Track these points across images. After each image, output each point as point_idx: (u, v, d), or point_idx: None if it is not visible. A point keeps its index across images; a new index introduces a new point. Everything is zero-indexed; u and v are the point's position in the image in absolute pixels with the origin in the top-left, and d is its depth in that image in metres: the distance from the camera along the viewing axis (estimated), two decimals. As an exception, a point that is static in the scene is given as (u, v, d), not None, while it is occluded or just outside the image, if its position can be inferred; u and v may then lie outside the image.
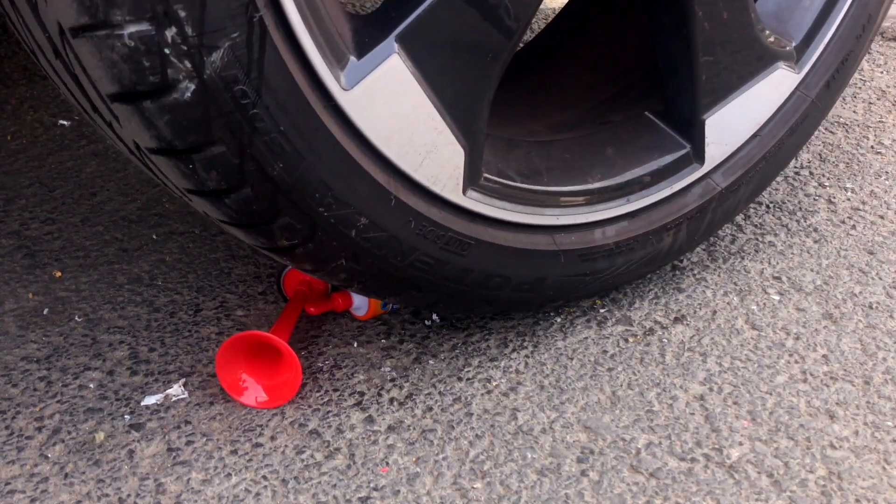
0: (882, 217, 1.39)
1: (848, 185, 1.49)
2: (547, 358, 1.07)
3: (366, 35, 0.81)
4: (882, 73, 2.04)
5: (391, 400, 1.00)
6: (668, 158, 1.09)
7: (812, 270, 1.24)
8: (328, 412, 0.98)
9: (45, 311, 1.15)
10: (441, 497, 0.87)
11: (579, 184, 1.03)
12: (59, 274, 1.23)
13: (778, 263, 1.26)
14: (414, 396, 1.01)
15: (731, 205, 1.17)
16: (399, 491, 0.88)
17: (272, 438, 0.95)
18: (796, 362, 1.06)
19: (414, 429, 0.96)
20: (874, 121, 1.77)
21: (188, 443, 0.94)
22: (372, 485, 0.89)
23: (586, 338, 1.10)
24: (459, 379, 1.03)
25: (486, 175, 0.95)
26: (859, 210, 1.41)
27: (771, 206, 1.42)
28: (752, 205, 1.42)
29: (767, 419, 0.97)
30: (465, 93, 0.88)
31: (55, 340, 1.10)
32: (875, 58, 2.15)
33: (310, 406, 0.99)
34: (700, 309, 1.16)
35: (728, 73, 1.07)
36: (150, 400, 1.00)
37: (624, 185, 1.06)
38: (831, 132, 1.71)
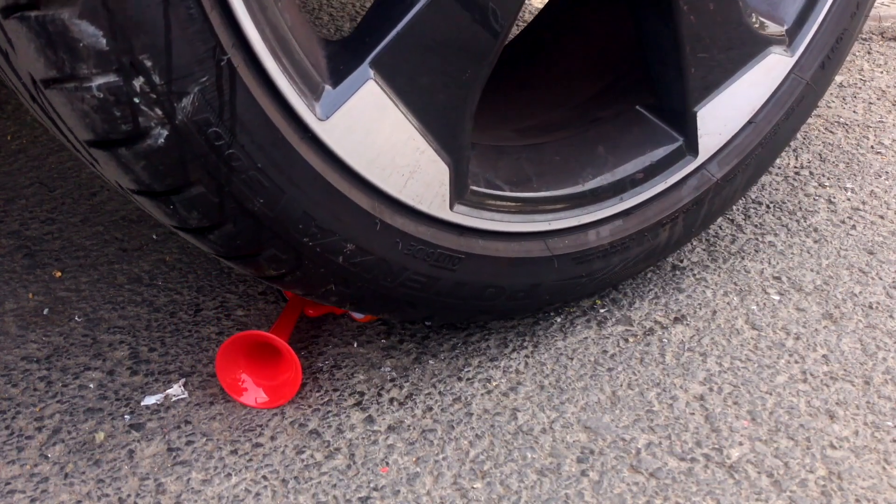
0: (882, 217, 1.39)
1: (848, 185, 1.49)
2: (547, 358, 1.07)
3: (340, 62, 0.81)
4: (882, 73, 2.04)
5: (391, 400, 1.00)
6: (661, 153, 1.08)
7: (812, 270, 1.24)
8: (328, 412, 0.98)
9: (46, 311, 1.15)
10: (441, 497, 0.87)
11: (571, 186, 1.03)
12: (59, 274, 1.23)
13: (778, 263, 1.26)
14: (414, 396, 1.01)
15: (727, 194, 1.16)
16: (399, 491, 0.88)
17: (272, 438, 0.95)
18: (796, 362, 1.06)
19: (414, 429, 0.96)
20: (874, 121, 1.77)
21: (188, 443, 0.94)
22: (372, 485, 0.89)
23: (586, 338, 1.10)
24: (459, 379, 1.03)
25: (474, 188, 0.94)
26: (859, 210, 1.41)
27: (771, 206, 1.42)
28: (752, 205, 1.42)
29: (767, 419, 0.97)
30: (446, 110, 0.87)
31: (55, 340, 1.10)
32: (875, 58, 2.15)
33: (310, 406, 0.99)
34: (700, 309, 1.16)
35: (718, 63, 1.07)
36: (150, 400, 1.00)
37: (617, 184, 1.05)
38: (831, 132, 1.71)
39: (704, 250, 1.29)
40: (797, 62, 1.16)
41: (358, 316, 1.10)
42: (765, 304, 1.17)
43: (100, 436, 0.95)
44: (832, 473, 0.90)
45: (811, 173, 1.54)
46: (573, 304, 1.16)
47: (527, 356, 1.07)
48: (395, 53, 0.81)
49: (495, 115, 1.14)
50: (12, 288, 1.20)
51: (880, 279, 1.22)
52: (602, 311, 1.15)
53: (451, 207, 0.91)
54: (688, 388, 1.02)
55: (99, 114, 0.69)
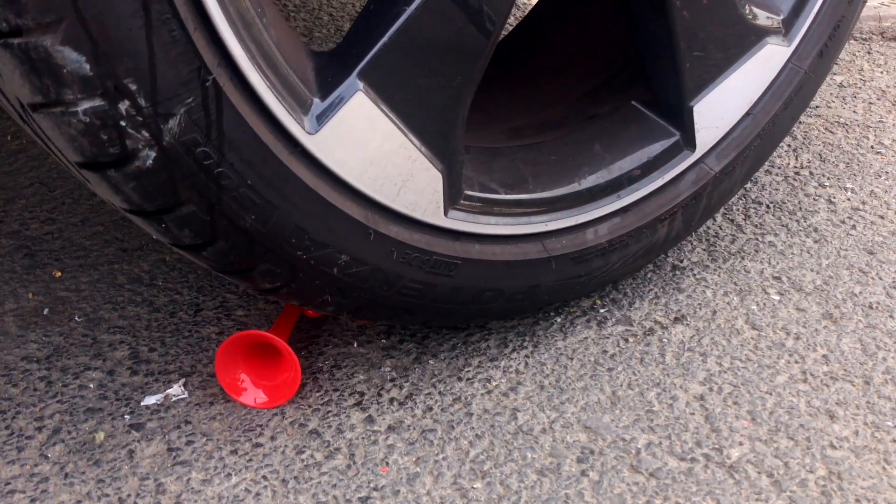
0: (882, 217, 1.39)
1: (848, 185, 1.49)
2: (547, 358, 1.07)
3: (328, 74, 0.81)
4: (882, 73, 2.04)
5: (391, 400, 1.00)
6: (658, 148, 1.07)
7: (812, 270, 1.24)
8: (328, 412, 0.98)
9: (46, 311, 1.15)
10: (441, 497, 0.87)
11: (567, 186, 1.02)
12: (59, 274, 1.23)
13: (778, 263, 1.26)
14: (414, 396, 1.01)
15: (727, 187, 1.16)
16: (399, 491, 0.88)
17: (272, 438, 0.95)
18: (796, 362, 1.06)
19: (414, 429, 0.96)
20: (874, 121, 1.77)
21: (188, 443, 0.94)
22: (372, 485, 0.89)
23: (586, 338, 1.10)
24: (459, 379, 1.03)
25: (468, 192, 0.94)
26: (859, 210, 1.41)
27: (771, 206, 1.42)
28: (752, 205, 1.42)
29: (767, 419, 0.97)
30: (437, 117, 0.87)
31: (55, 340, 1.10)
32: (875, 58, 2.15)
33: (310, 406, 0.99)
34: (700, 309, 1.15)
35: (713, 57, 1.06)
36: (150, 400, 1.00)
37: (614, 182, 1.04)
38: (831, 132, 1.71)
39: (704, 250, 1.29)
40: (794, 51, 1.14)
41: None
42: (765, 304, 1.17)
43: (100, 436, 0.95)
44: (832, 473, 0.90)
45: (811, 173, 1.54)
46: (573, 304, 1.16)
47: (527, 356, 1.07)
48: (384, 63, 0.81)
49: (489, 115, 1.13)
50: (12, 288, 1.20)
51: (880, 279, 1.22)
52: (602, 311, 1.15)
53: (446, 213, 0.91)
54: (688, 388, 1.02)
55: (86, 137, 0.69)
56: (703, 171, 1.11)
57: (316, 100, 0.79)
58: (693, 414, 0.98)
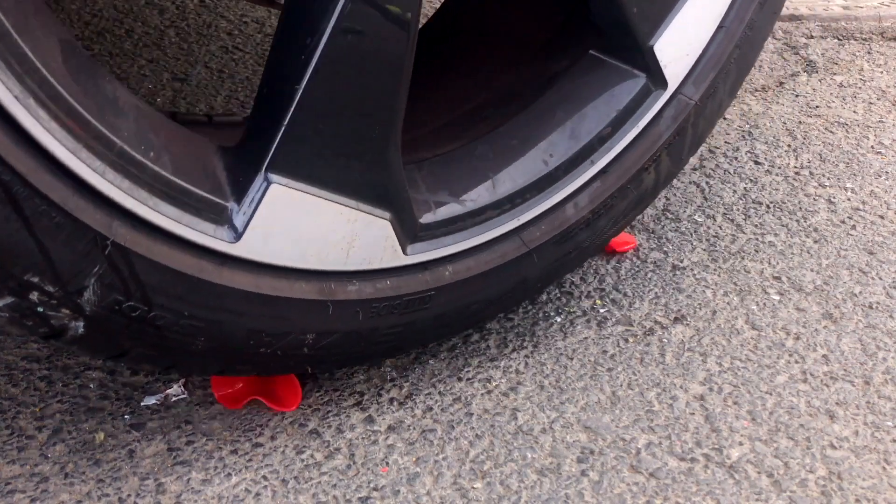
0: (882, 217, 1.39)
1: (848, 185, 1.49)
2: (547, 358, 1.07)
3: (239, 174, 0.77)
4: (882, 73, 2.04)
5: (391, 400, 1.00)
6: (626, 97, 0.98)
7: (812, 270, 1.24)
8: (328, 412, 0.98)
9: (46, 311, 1.15)
10: (441, 497, 0.87)
11: (534, 171, 0.96)
12: (59, 274, 1.23)
13: (778, 263, 1.26)
14: (414, 396, 1.01)
15: (712, 109, 1.08)
16: (399, 491, 0.88)
17: (272, 438, 0.95)
18: (796, 362, 1.06)
19: (414, 429, 0.96)
20: (874, 121, 1.77)
21: (188, 443, 0.94)
22: (372, 485, 0.89)
23: (586, 338, 1.10)
24: (459, 379, 1.03)
25: (426, 220, 0.88)
26: (859, 210, 1.41)
27: (771, 206, 1.42)
28: (752, 205, 1.42)
29: (767, 419, 0.97)
30: (366, 168, 0.82)
31: (55, 340, 1.10)
32: (875, 58, 2.15)
33: (310, 406, 0.99)
34: (700, 309, 1.15)
35: None
36: (150, 400, 1.00)
37: (585, 148, 0.98)
38: (831, 132, 1.71)
39: (704, 250, 1.29)
40: None
41: None
42: (765, 304, 1.17)
43: (100, 436, 0.95)
44: (832, 473, 0.90)
45: (811, 173, 1.54)
46: (573, 305, 1.16)
47: (527, 356, 1.07)
48: (291, 148, 0.77)
49: (444, 102, 1.05)
50: (12, 288, 1.20)
51: (880, 279, 1.22)
52: (602, 311, 1.15)
53: (406, 252, 0.87)
54: (688, 388, 1.02)
55: (15, 325, 0.70)
56: (681, 104, 1.02)
57: (232, 205, 0.76)
58: (693, 414, 0.98)
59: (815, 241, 1.32)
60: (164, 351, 0.78)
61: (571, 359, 1.06)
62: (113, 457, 0.92)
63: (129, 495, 0.88)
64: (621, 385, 1.02)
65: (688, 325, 1.12)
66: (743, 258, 1.27)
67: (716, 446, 0.94)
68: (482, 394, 1.01)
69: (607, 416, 0.98)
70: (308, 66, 0.75)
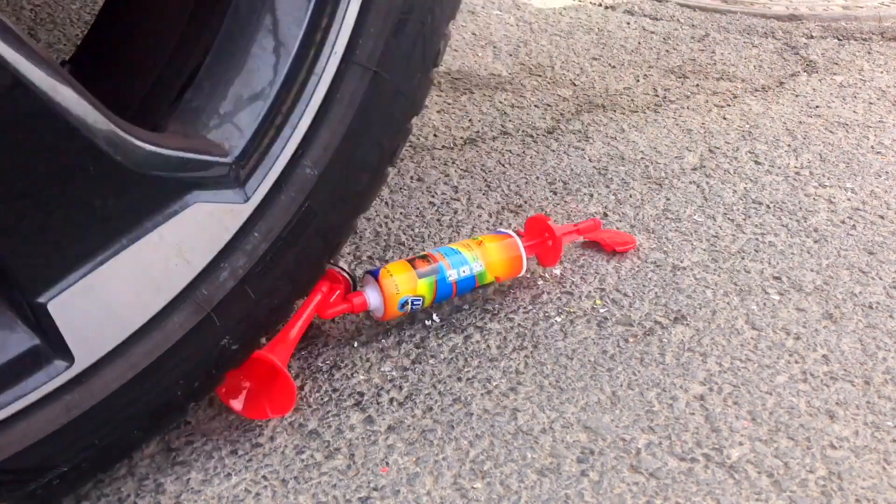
0: (882, 217, 1.39)
1: (848, 185, 1.49)
2: (547, 358, 1.06)
3: None
4: (882, 73, 2.04)
5: (391, 400, 1.00)
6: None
7: (812, 270, 1.24)
8: (328, 412, 0.98)
9: (45, 312, 1.15)
10: (441, 497, 0.87)
11: None
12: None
13: (778, 263, 1.26)
14: (414, 397, 1.01)
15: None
16: (399, 491, 0.88)
17: (272, 438, 0.94)
18: (796, 362, 1.06)
19: (414, 429, 0.96)
20: (874, 121, 1.77)
21: (188, 443, 0.94)
22: (372, 485, 0.89)
23: (586, 338, 1.10)
24: (459, 379, 1.03)
25: None
26: (859, 210, 1.41)
27: (771, 206, 1.42)
28: (752, 205, 1.42)
29: (767, 419, 0.97)
30: None
31: (55, 341, 1.10)
32: (875, 58, 2.15)
33: (310, 406, 0.99)
34: (700, 309, 1.15)
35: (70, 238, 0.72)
36: (149, 400, 1.00)
37: None
38: (831, 132, 1.71)
39: (705, 250, 1.29)
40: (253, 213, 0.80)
41: (378, 315, 1.09)
42: (765, 304, 1.17)
43: (99, 436, 0.95)
44: (832, 473, 0.90)
45: (811, 173, 1.54)
46: (573, 305, 1.16)
47: (527, 356, 1.07)
48: None
49: None
50: (12, 288, 1.20)
51: (880, 279, 1.22)
52: (602, 311, 1.15)
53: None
54: (688, 388, 1.02)
55: None
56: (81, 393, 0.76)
57: None
58: (693, 414, 0.98)
59: (816, 241, 1.32)
60: None
61: (571, 359, 1.06)
62: (112, 457, 0.92)
63: (128, 495, 0.88)
64: (621, 385, 1.02)
65: (688, 325, 1.12)
66: (743, 258, 1.27)
67: (716, 446, 0.93)
68: (482, 394, 1.01)
69: (607, 416, 0.98)
70: None
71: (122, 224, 0.74)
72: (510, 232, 1.17)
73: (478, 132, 1.70)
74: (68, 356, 0.75)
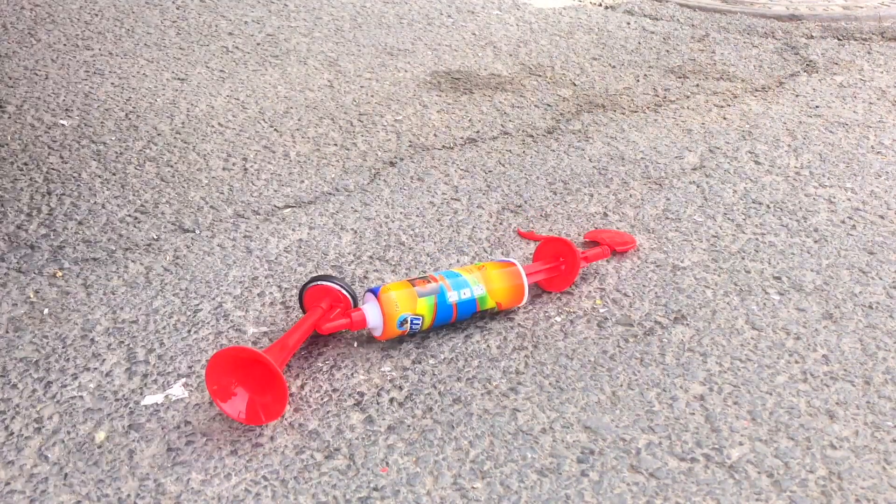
0: (882, 217, 1.39)
1: (848, 185, 1.49)
2: (547, 358, 1.06)
3: None
4: (882, 73, 2.04)
5: (391, 400, 1.00)
6: None
7: (812, 270, 1.24)
8: (328, 412, 0.98)
9: (45, 312, 1.15)
10: (441, 497, 0.87)
11: None
12: (58, 273, 1.23)
13: (778, 263, 1.26)
14: (414, 397, 1.00)
15: None
16: (399, 491, 0.88)
17: (272, 439, 0.94)
18: (796, 362, 1.06)
19: (414, 429, 0.96)
20: (874, 121, 1.77)
21: (188, 443, 0.94)
22: (372, 485, 0.89)
23: (586, 338, 1.10)
24: (459, 379, 1.03)
25: None
26: (859, 210, 1.41)
27: (771, 206, 1.42)
28: (752, 205, 1.42)
29: (767, 419, 0.97)
30: None
31: (53, 341, 1.10)
32: (875, 58, 2.15)
33: (310, 406, 0.99)
34: (700, 309, 1.15)
35: None
36: (149, 400, 1.00)
37: None
38: (831, 132, 1.71)
39: (705, 250, 1.29)
40: None
41: (377, 333, 1.07)
42: (765, 304, 1.16)
43: (99, 436, 0.95)
44: (832, 473, 0.90)
45: (811, 173, 1.54)
46: (573, 305, 1.16)
47: (527, 356, 1.07)
48: None
49: None
50: (10, 289, 1.20)
51: (880, 279, 1.22)
52: (602, 311, 1.15)
53: None
54: (688, 388, 1.02)
55: None
56: None
57: None
58: (693, 414, 0.98)
59: (816, 241, 1.32)
60: None
61: (571, 359, 1.06)
62: (112, 458, 0.92)
63: (128, 495, 0.88)
64: (621, 385, 1.02)
65: (688, 325, 1.12)
66: (743, 258, 1.27)
67: (716, 446, 0.93)
68: (482, 394, 1.01)
69: (607, 416, 0.97)
70: None
71: None
72: (513, 260, 1.16)
73: (478, 132, 1.70)
74: None
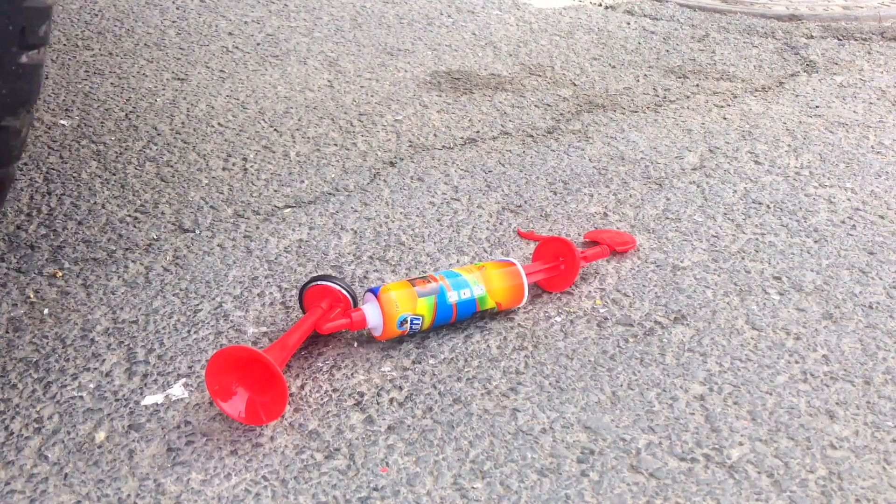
0: (882, 217, 1.39)
1: (848, 185, 1.49)
2: (547, 358, 1.06)
3: None
4: (882, 73, 2.04)
5: (391, 400, 1.00)
6: None
7: (812, 270, 1.24)
8: (328, 412, 0.98)
9: (45, 312, 1.15)
10: (441, 497, 0.87)
11: None
12: (58, 273, 1.23)
13: (778, 263, 1.26)
14: (414, 397, 1.00)
15: None
16: (399, 491, 0.88)
17: (272, 439, 0.94)
18: (796, 362, 1.06)
19: (414, 429, 0.96)
20: (874, 121, 1.77)
21: (188, 443, 0.94)
22: (372, 485, 0.89)
23: (586, 338, 1.10)
24: (459, 379, 1.03)
25: None
26: (859, 210, 1.41)
27: (771, 206, 1.42)
28: (752, 205, 1.42)
29: (767, 419, 0.97)
30: None
31: (53, 341, 1.10)
32: (875, 58, 2.15)
33: (310, 406, 0.99)
34: (700, 309, 1.15)
35: None
36: (149, 400, 1.00)
37: None
38: (831, 132, 1.71)
39: (705, 250, 1.29)
40: None
41: (377, 333, 1.07)
42: (765, 304, 1.16)
43: (99, 436, 0.95)
44: (832, 473, 0.90)
45: (811, 173, 1.54)
46: (573, 305, 1.16)
47: (527, 356, 1.07)
48: None
49: None
50: (10, 289, 1.20)
51: (880, 279, 1.22)
52: (602, 311, 1.15)
53: None
54: (688, 388, 1.02)
55: None
56: None
57: None
58: (693, 414, 0.98)
59: (816, 241, 1.32)
60: None
61: (571, 359, 1.06)
62: (112, 458, 0.92)
63: (128, 495, 0.88)
64: (621, 385, 1.02)
65: (688, 325, 1.12)
66: (743, 258, 1.27)
67: (716, 446, 0.93)
68: (482, 394, 1.01)
69: (607, 417, 0.97)
70: None
71: None
72: (513, 260, 1.16)
73: (478, 132, 1.70)
74: None
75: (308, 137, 1.66)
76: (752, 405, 0.99)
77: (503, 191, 1.47)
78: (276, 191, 1.46)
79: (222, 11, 2.41)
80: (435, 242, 1.31)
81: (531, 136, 1.69)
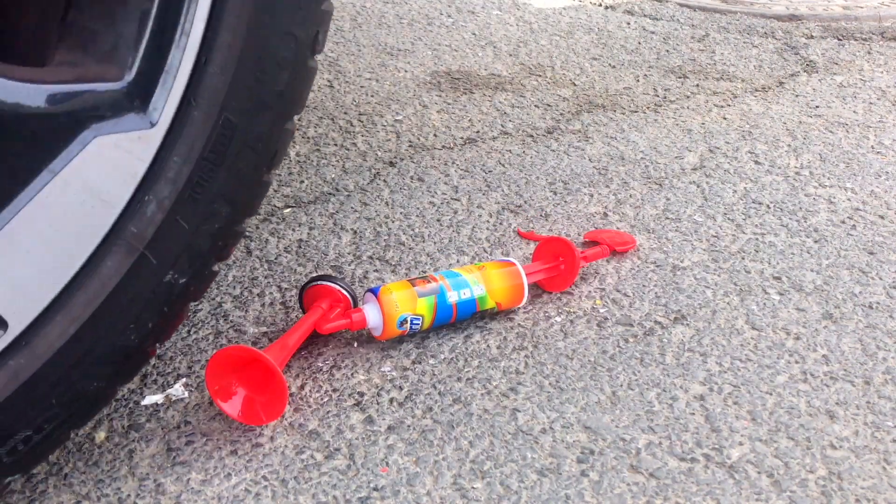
0: (882, 217, 1.39)
1: (848, 185, 1.49)
2: (547, 358, 1.06)
3: None
4: (882, 73, 2.04)
5: (391, 400, 1.00)
6: None
7: (812, 270, 1.24)
8: (328, 412, 0.98)
9: (45, 312, 1.15)
10: (441, 497, 0.87)
11: None
12: (58, 274, 1.23)
13: (778, 263, 1.26)
14: (414, 397, 1.00)
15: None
16: (399, 491, 0.88)
17: (272, 439, 0.94)
18: (796, 362, 1.06)
19: (414, 429, 0.96)
20: (874, 121, 1.77)
21: (188, 443, 0.94)
22: (372, 485, 0.89)
23: (586, 338, 1.10)
24: (459, 379, 1.03)
25: None
26: (859, 210, 1.41)
27: (771, 206, 1.42)
28: (752, 205, 1.42)
29: (767, 419, 0.97)
30: None
31: (54, 341, 1.10)
32: (875, 58, 2.15)
33: (310, 406, 0.99)
34: (700, 309, 1.15)
35: None
36: (149, 400, 1.00)
37: None
38: (831, 132, 1.71)
39: (705, 250, 1.29)
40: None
41: (377, 333, 1.07)
42: (765, 304, 1.16)
43: (99, 436, 0.95)
44: (832, 473, 0.90)
45: (811, 173, 1.54)
46: (573, 305, 1.16)
47: (527, 356, 1.07)
48: None
49: None
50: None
51: (880, 279, 1.22)
52: (602, 311, 1.15)
53: None
54: (688, 388, 1.02)
55: None
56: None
57: None
58: (693, 414, 0.98)
59: (816, 241, 1.32)
60: None
61: (571, 359, 1.06)
62: (112, 457, 0.92)
63: (128, 496, 0.88)
64: (621, 385, 1.02)
65: (688, 325, 1.12)
66: (743, 258, 1.27)
67: (716, 446, 0.93)
68: (482, 394, 1.01)
69: (607, 417, 0.97)
70: None
71: (14, 177, 0.69)
72: (513, 260, 1.16)
73: (478, 132, 1.70)
74: (1, 322, 0.73)
75: (308, 137, 1.66)
76: (752, 405, 0.99)
77: (503, 191, 1.47)
78: (275, 191, 1.46)
79: (222, 11, 2.41)
80: (435, 242, 1.31)
81: (531, 136, 1.69)
